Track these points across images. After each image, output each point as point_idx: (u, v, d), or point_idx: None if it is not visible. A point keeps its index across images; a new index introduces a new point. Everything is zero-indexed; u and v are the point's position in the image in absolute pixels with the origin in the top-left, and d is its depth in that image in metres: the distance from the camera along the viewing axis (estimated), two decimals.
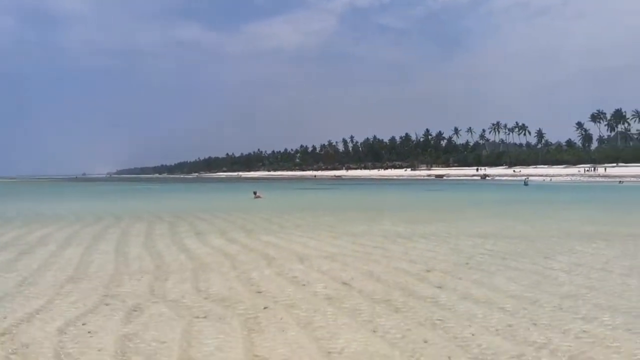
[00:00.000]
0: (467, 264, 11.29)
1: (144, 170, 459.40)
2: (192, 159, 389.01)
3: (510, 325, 6.81)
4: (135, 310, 7.70)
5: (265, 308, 7.77)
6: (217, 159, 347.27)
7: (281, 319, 7.21)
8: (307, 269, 10.87)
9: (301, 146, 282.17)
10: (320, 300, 8.22)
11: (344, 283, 9.45)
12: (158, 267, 11.28)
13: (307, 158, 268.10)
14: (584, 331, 6.56)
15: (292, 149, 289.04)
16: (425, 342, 6.22)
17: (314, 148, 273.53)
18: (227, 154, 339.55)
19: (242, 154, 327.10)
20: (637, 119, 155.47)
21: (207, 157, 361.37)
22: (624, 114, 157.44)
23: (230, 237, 16.32)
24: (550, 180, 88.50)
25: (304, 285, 9.39)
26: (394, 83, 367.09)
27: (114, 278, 10.15)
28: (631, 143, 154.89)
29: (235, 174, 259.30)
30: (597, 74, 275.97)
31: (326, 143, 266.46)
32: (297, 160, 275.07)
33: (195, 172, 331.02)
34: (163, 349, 6.04)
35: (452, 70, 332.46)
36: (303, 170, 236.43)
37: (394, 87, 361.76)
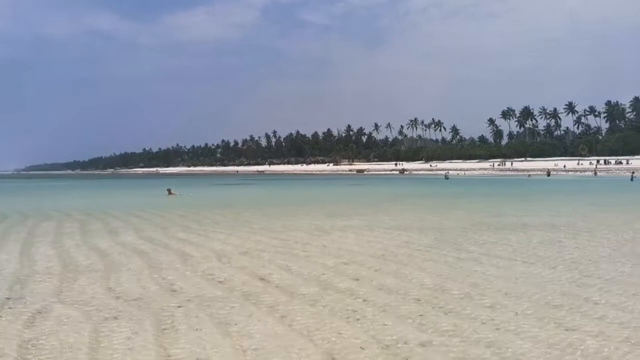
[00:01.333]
0: (383, 255, 11.56)
1: (54, 167, 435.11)
2: (107, 155, 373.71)
3: (421, 315, 7.03)
4: (40, 313, 7.28)
5: (179, 307, 7.58)
6: (133, 154, 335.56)
7: (196, 317, 7.05)
8: (224, 266, 10.71)
9: (222, 141, 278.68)
10: (237, 297, 8.12)
11: (262, 279, 9.39)
12: (66, 267, 10.73)
13: (229, 153, 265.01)
14: (491, 318, 6.88)
15: (213, 144, 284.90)
16: (340, 333, 6.30)
17: (236, 143, 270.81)
18: (144, 149, 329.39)
19: (160, 149, 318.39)
20: (544, 116, 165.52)
21: (123, 152, 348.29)
22: (531, 111, 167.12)
23: (145, 235, 15.79)
24: (464, 174, 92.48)
25: (220, 282, 9.25)
26: (316, 78, 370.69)
27: (18, 280, 9.55)
28: (538, 139, 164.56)
29: (153, 169, 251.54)
30: (507, 73, 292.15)
31: (248, 138, 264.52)
32: (219, 155, 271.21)
33: (110, 168, 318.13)
34: (69, 353, 5.74)
35: (372, 67, 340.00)
36: (225, 165, 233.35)
37: (316, 83, 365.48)
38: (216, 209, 26.53)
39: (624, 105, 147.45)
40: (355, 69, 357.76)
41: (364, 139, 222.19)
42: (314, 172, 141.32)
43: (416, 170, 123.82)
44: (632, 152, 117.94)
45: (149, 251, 12.73)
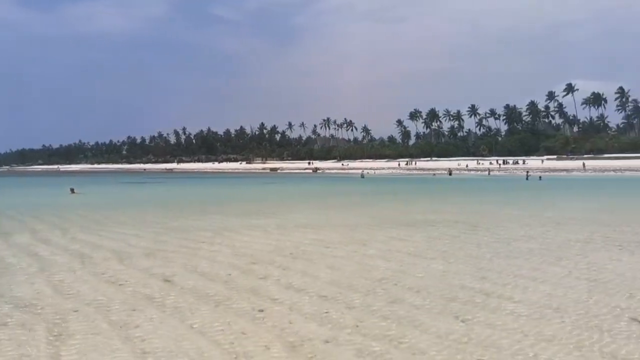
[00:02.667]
0: (292, 254, 11.59)
1: None
2: (2, 151, 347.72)
3: (327, 312, 7.12)
4: None
5: (76, 311, 7.19)
6: (32, 150, 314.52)
7: (93, 321, 6.72)
8: (126, 268, 10.29)
9: (129, 137, 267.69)
10: (139, 300, 7.83)
11: (166, 280, 9.12)
12: None
13: (136, 150, 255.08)
14: (393, 312, 7.08)
15: (118, 141, 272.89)
16: (244, 333, 6.24)
17: (143, 140, 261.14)
18: (44, 145, 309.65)
19: (61, 145, 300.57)
20: (448, 118, 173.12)
21: (20, 148, 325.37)
22: (437, 113, 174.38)
23: (42, 236, 14.87)
24: (374, 172, 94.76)
25: (121, 284, 8.87)
26: (230, 75, 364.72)
27: None
28: (443, 139, 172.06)
29: (54, 167, 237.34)
30: (415, 75, 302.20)
31: (156, 134, 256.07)
32: (124, 152, 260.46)
33: (6, 165, 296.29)
34: None
35: (286, 66, 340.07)
36: (131, 163, 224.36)
37: (229, 79, 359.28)
38: (120, 209, 25.49)
39: (521, 108, 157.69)
40: (268, 66, 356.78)
41: (278, 137, 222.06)
42: (226, 171, 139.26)
43: (329, 169, 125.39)
44: (528, 152, 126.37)
45: (45, 253, 11.99)
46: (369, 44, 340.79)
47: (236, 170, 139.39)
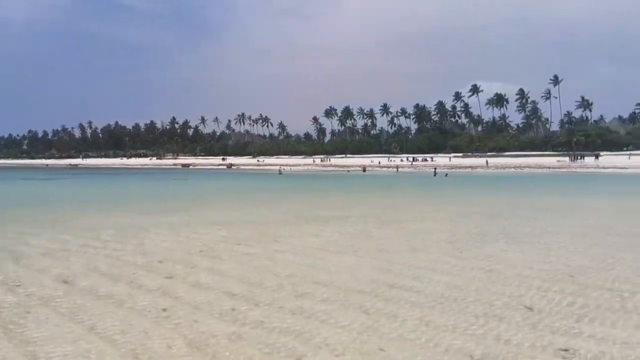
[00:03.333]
0: (201, 252, 11.37)
1: None
2: None
3: (234, 309, 7.05)
4: None
5: None
6: None
7: None
8: (21, 269, 9.67)
9: (29, 131, 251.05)
10: (34, 302, 7.37)
11: (65, 281, 8.65)
12: None
13: (37, 145, 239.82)
14: (300, 307, 7.13)
15: (18, 135, 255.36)
16: (147, 334, 6.05)
17: (46, 134, 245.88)
18: None
19: None
20: (362, 116, 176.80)
21: None
22: (351, 111, 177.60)
23: None
24: (290, 169, 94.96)
25: (17, 286, 8.33)
26: (139, 67, 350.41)
27: None
28: (357, 136, 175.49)
29: None
30: (331, 72, 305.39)
31: (60, 128, 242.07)
32: (25, 147, 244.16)
33: None
34: None
35: (200, 59, 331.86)
36: (32, 158, 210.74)
37: (138, 71, 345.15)
38: (17, 207, 23.90)
39: (430, 108, 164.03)
40: (182, 59, 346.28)
41: (190, 132, 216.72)
42: (135, 166, 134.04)
43: (244, 165, 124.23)
44: (436, 150, 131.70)
45: None
46: (285, 40, 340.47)
47: (146, 166, 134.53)
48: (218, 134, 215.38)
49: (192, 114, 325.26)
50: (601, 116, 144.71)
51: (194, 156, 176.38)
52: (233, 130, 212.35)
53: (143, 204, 25.38)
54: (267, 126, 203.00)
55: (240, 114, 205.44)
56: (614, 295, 7.64)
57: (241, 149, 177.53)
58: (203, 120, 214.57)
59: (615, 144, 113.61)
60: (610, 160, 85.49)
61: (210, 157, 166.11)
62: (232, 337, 5.94)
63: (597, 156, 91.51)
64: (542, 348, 5.67)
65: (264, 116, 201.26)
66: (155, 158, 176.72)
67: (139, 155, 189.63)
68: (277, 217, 18.06)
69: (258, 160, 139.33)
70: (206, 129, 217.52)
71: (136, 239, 13.34)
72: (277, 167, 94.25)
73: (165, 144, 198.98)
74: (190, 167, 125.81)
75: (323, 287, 8.24)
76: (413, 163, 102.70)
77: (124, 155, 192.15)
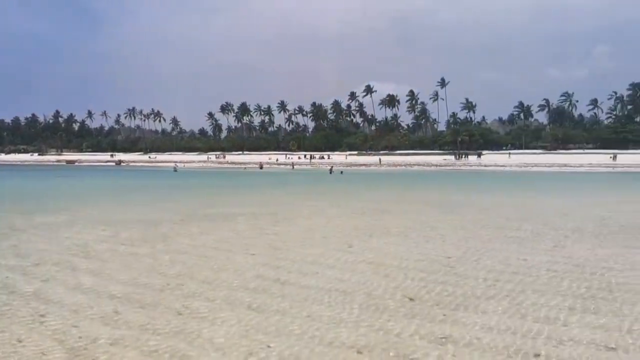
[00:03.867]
0: (83, 253, 10.80)
1: None
2: None
3: (117, 312, 6.78)
4: None
5: None
6: None
7: None
8: None
9: None
10: None
11: None
12: None
13: None
14: (187, 307, 7.01)
15: None
16: (20, 341, 5.68)
17: None
18: None
19: None
20: (259, 112, 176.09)
21: None
22: (248, 107, 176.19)
23: None
24: (184, 166, 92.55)
25: None
26: (23, 58, 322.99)
27: None
28: (254, 133, 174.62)
29: None
30: (227, 68, 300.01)
31: None
32: None
33: None
34: None
35: (87, 51, 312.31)
36: None
37: (20, 62, 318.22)
38: None
39: (327, 107, 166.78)
40: (67, 50, 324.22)
41: (76, 126, 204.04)
42: (14, 163, 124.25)
43: (134, 161, 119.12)
44: (332, 148, 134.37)
45: None
46: (179, 33, 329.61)
47: (26, 162, 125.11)
48: (107, 129, 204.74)
49: (79, 108, 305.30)
50: (483, 117, 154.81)
51: (80, 152, 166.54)
52: (123, 125, 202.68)
53: (21, 204, 23.59)
54: (160, 121, 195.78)
55: (130, 108, 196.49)
56: (488, 284, 8.23)
57: (131, 145, 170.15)
58: (90, 114, 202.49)
59: (495, 144, 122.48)
60: (491, 158, 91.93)
61: (97, 153, 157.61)
62: (114, 341, 5.72)
63: (479, 155, 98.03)
64: (422, 337, 5.99)
65: (156, 111, 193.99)
66: (37, 154, 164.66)
67: (19, 151, 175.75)
68: (167, 215, 17.51)
69: (150, 157, 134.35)
70: (94, 124, 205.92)
71: (11, 240, 12.40)
72: (171, 164, 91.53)
73: (48, 139, 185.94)
74: (76, 163, 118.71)
75: (211, 286, 8.15)
76: (311, 161, 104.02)
77: (2, 151, 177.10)
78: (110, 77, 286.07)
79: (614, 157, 79.73)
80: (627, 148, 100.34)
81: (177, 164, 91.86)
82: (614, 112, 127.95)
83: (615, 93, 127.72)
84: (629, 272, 9.05)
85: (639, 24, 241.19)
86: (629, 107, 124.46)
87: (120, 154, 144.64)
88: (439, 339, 5.91)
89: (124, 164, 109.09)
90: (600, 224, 14.81)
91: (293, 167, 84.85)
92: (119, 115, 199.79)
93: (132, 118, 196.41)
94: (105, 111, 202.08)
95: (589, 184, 39.27)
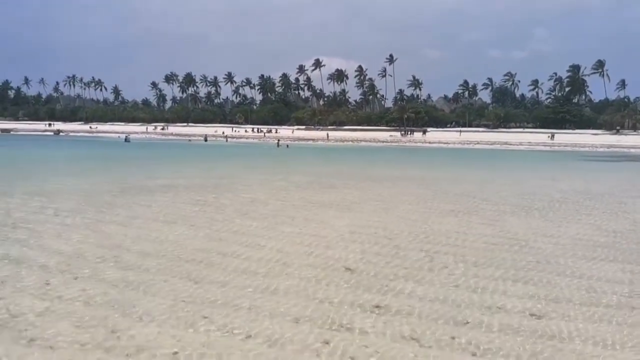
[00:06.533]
0: (13, 224, 10.35)
1: None
2: None
3: (48, 283, 6.56)
4: None
5: None
6: None
7: None
8: None
9: None
10: None
11: None
12: None
13: None
14: (123, 278, 6.86)
15: None
16: None
17: None
18: None
19: None
20: (205, 83, 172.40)
21: None
22: (194, 77, 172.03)
23: None
24: (127, 136, 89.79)
25: None
26: None
27: None
28: (200, 105, 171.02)
29: None
30: (171, 37, 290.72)
31: None
32: None
33: None
34: None
35: (22, 15, 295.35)
36: None
37: None
38: None
39: (275, 80, 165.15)
40: (2, 14, 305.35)
41: (12, 94, 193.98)
42: None
43: (74, 131, 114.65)
44: (280, 122, 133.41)
45: None
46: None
47: None
48: (45, 97, 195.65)
49: (13, 74, 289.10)
50: (429, 95, 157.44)
51: (16, 120, 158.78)
52: (62, 94, 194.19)
53: None
54: (101, 90, 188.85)
55: (70, 75, 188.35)
56: (426, 256, 8.44)
57: (71, 114, 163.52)
58: (27, 80, 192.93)
59: (440, 121, 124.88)
60: (436, 135, 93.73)
61: (35, 122, 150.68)
62: (43, 313, 5.53)
63: (424, 132, 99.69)
64: (358, 306, 6.09)
65: (96, 79, 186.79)
66: None
67: None
68: (105, 187, 16.96)
69: (91, 127, 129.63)
70: (30, 91, 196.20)
71: None
72: (113, 135, 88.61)
73: None
74: (11, 132, 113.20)
75: (150, 257, 7.99)
76: (258, 134, 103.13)
77: None
78: (50, 43, 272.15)
79: (552, 137, 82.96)
80: (564, 128, 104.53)
81: (129, 134, 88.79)
82: (553, 93, 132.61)
83: (555, 74, 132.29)
84: (555, 244, 9.47)
85: (578, 8, 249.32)
86: (568, 88, 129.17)
87: (59, 123, 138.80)
88: (374, 308, 6.03)
89: (63, 134, 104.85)
90: (534, 200, 15.41)
91: (227, 140, 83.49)
92: (57, 83, 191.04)
93: (72, 86, 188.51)
94: (43, 78, 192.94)
95: (527, 162, 40.74)
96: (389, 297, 6.41)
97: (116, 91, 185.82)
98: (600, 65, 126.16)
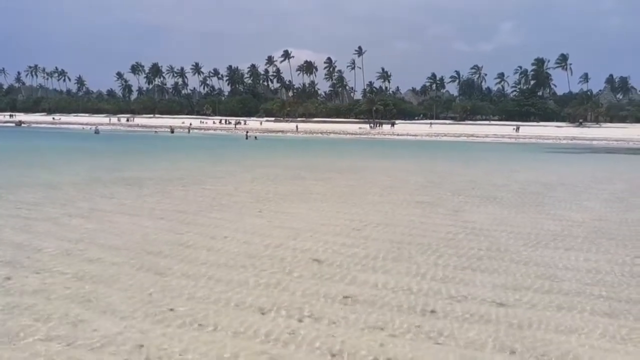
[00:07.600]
0: None
1: None
2: None
3: (8, 278, 6.41)
4: None
5: None
6: None
7: None
8: None
9: None
10: None
11: None
12: None
13: None
14: (87, 272, 6.75)
15: None
16: None
17: None
18: None
19: None
20: (172, 74, 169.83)
21: None
22: (160, 68, 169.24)
23: None
24: (97, 127, 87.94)
25: None
26: None
27: None
28: (167, 96, 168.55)
29: None
30: (136, 27, 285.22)
31: None
32: None
33: None
34: None
35: None
36: None
37: None
38: None
39: (243, 70, 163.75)
40: None
41: None
42: None
43: (37, 122, 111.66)
44: (249, 113, 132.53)
45: None
46: None
47: None
48: (5, 87, 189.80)
49: None
50: (397, 87, 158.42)
51: None
52: (23, 84, 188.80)
53: None
54: (65, 80, 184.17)
55: (32, 65, 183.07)
56: (393, 247, 8.52)
57: (33, 105, 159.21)
58: None
59: (409, 114, 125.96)
60: (404, 127, 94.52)
61: None
62: (4, 308, 5.39)
63: (393, 124, 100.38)
64: (325, 296, 6.12)
65: (60, 69, 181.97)
66: None
67: None
68: (67, 179, 16.61)
69: (54, 118, 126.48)
70: None
71: None
72: (77, 127, 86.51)
73: None
74: None
75: (114, 250, 7.87)
76: (226, 126, 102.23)
77: None
78: (12, 32, 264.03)
79: (517, 129, 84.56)
80: (529, 120, 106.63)
81: (98, 126, 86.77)
82: (519, 86, 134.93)
83: (520, 67, 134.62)
84: (516, 234, 9.69)
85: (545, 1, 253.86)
86: (533, 81, 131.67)
87: (21, 114, 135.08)
88: (342, 298, 6.07)
89: (24, 125, 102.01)
90: (497, 191, 15.72)
91: (189, 132, 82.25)
92: (19, 73, 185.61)
93: (34, 76, 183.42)
94: (3, 68, 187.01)
95: (493, 154, 41.45)
96: (356, 288, 6.46)
97: (80, 81, 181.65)
98: (564, 59, 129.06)
